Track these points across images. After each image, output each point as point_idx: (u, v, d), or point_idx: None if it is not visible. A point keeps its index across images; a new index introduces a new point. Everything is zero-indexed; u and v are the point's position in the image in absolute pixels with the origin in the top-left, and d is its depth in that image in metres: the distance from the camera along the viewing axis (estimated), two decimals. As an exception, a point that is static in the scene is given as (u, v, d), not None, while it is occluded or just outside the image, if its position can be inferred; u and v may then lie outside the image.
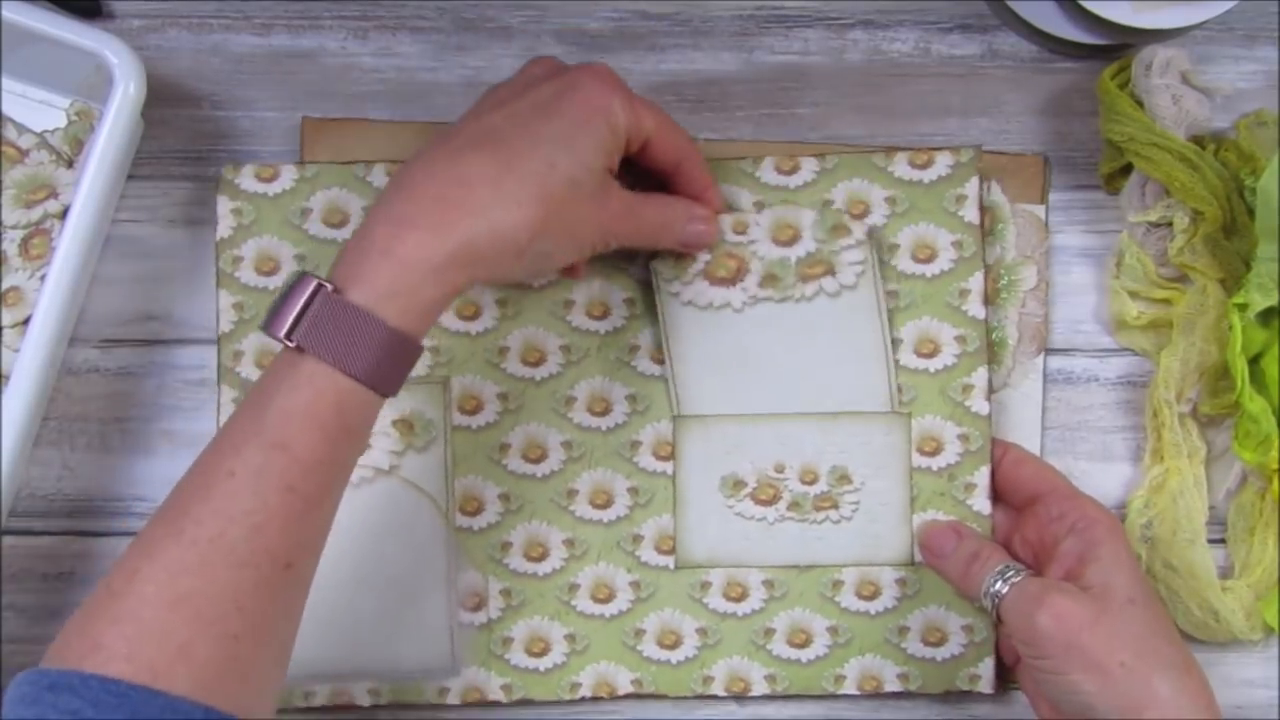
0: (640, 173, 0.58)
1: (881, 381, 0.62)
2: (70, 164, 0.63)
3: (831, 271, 0.61)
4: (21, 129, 0.63)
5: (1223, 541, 0.63)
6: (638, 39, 0.65)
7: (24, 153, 0.62)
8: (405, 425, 0.62)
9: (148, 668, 0.44)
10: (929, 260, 0.62)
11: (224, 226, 0.62)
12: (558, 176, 0.52)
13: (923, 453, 0.62)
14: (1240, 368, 0.60)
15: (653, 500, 0.63)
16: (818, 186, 0.62)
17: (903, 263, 0.62)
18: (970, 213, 0.62)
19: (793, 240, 0.62)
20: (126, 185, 0.64)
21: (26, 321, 0.59)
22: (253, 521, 0.47)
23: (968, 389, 0.62)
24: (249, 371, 0.62)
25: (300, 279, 0.49)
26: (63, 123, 0.63)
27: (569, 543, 0.62)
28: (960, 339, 0.62)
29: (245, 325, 0.62)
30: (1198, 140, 0.62)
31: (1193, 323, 0.62)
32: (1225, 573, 0.63)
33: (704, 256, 0.62)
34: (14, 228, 0.62)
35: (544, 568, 0.62)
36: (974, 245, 0.62)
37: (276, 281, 0.62)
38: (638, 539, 0.62)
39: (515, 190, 0.51)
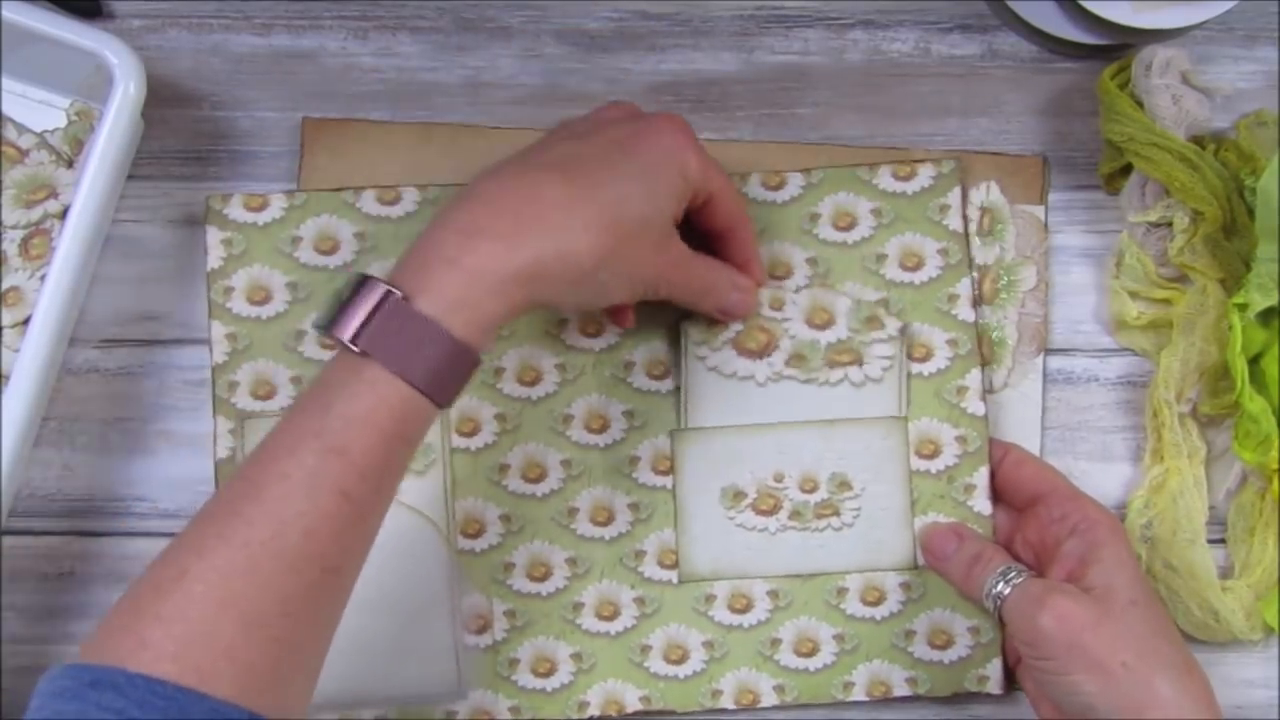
0: (689, 235, 0.58)
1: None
2: (70, 164, 0.63)
3: (859, 362, 0.62)
4: (21, 129, 0.63)
5: (1223, 541, 0.63)
6: (638, 39, 0.65)
7: (24, 153, 0.62)
8: None
9: (194, 669, 0.43)
10: (916, 268, 0.63)
11: (214, 257, 0.62)
12: (630, 212, 0.52)
13: (921, 456, 0.62)
14: (1240, 368, 0.60)
15: (653, 515, 0.62)
16: (804, 201, 0.63)
17: (891, 271, 0.63)
18: (954, 221, 0.63)
19: (826, 324, 0.62)
20: (126, 185, 0.64)
21: (26, 321, 0.59)
22: (305, 525, 0.46)
23: (962, 390, 0.62)
24: (245, 403, 0.62)
25: (365, 283, 0.49)
26: (63, 123, 0.63)
27: (571, 561, 0.62)
28: (952, 342, 0.62)
29: (239, 356, 0.62)
30: (1198, 140, 0.62)
31: (1193, 323, 0.62)
32: (1225, 573, 0.63)
33: (736, 326, 0.62)
34: (14, 228, 0.62)
35: (547, 587, 0.62)
36: (960, 252, 0.63)
37: (268, 311, 0.62)
38: (640, 555, 0.62)
39: (588, 216, 0.51)
